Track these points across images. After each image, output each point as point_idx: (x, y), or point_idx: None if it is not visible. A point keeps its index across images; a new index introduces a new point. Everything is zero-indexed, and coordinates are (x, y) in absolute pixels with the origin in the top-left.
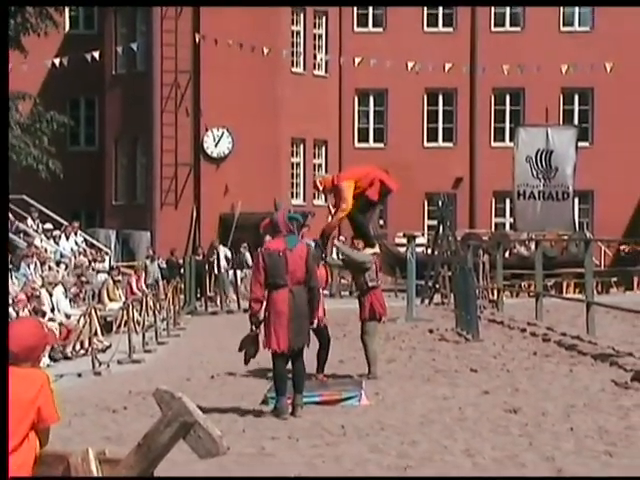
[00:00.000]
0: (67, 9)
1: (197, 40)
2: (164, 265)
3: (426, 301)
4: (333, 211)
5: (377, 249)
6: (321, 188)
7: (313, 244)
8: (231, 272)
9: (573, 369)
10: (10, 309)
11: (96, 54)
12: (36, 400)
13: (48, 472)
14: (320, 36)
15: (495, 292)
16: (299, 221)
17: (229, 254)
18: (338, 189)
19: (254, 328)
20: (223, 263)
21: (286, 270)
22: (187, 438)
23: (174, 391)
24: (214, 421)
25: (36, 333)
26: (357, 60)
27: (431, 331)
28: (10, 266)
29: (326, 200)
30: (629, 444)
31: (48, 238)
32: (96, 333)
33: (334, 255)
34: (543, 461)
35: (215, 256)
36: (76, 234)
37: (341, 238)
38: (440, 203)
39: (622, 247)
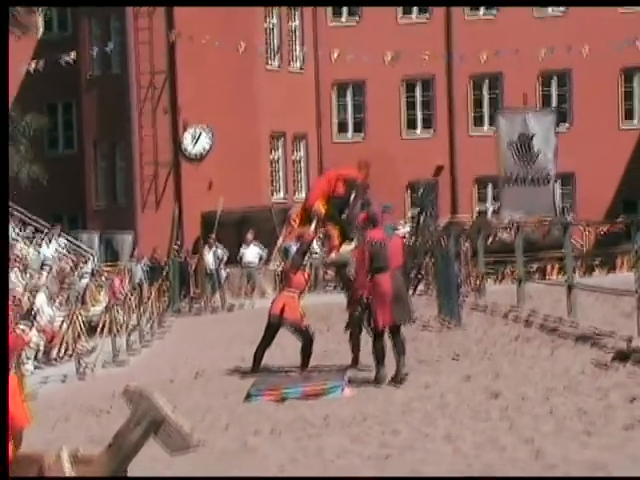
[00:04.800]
0: (39, 12)
1: (171, 38)
2: (148, 264)
3: (410, 290)
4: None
5: (355, 243)
6: (297, 221)
7: (295, 249)
8: (222, 271)
9: (554, 352)
10: None
11: (72, 56)
12: None
13: (23, 473)
14: (295, 30)
15: (478, 278)
16: (391, 208)
17: (221, 253)
18: (312, 211)
19: (359, 310)
20: (213, 261)
21: (387, 255)
22: (157, 435)
23: (143, 389)
24: (197, 419)
25: None
26: (333, 53)
27: (414, 320)
28: None
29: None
30: (607, 423)
31: (30, 244)
32: (79, 336)
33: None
34: (522, 443)
35: (207, 254)
36: (59, 236)
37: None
38: (420, 192)
39: (599, 229)
